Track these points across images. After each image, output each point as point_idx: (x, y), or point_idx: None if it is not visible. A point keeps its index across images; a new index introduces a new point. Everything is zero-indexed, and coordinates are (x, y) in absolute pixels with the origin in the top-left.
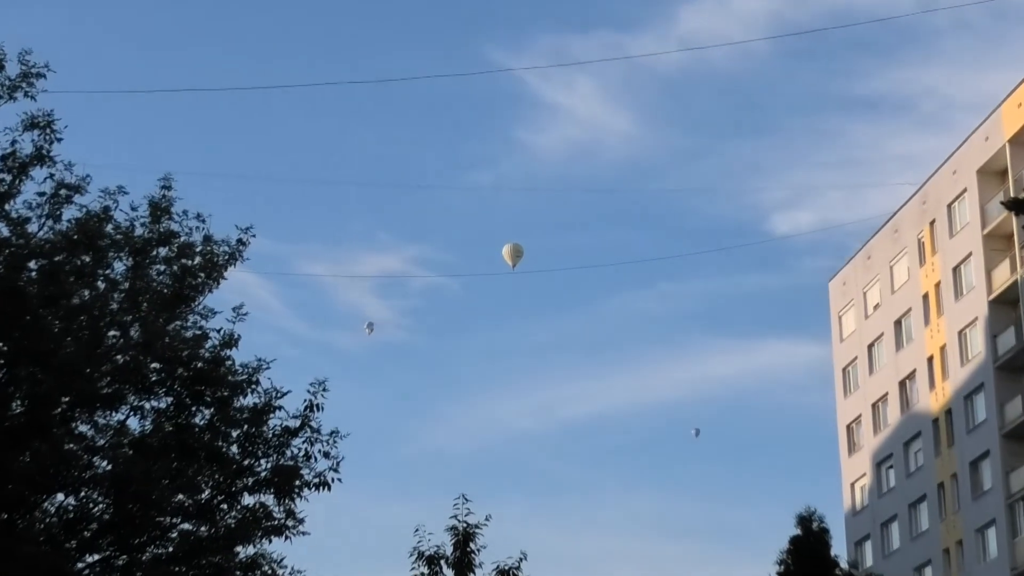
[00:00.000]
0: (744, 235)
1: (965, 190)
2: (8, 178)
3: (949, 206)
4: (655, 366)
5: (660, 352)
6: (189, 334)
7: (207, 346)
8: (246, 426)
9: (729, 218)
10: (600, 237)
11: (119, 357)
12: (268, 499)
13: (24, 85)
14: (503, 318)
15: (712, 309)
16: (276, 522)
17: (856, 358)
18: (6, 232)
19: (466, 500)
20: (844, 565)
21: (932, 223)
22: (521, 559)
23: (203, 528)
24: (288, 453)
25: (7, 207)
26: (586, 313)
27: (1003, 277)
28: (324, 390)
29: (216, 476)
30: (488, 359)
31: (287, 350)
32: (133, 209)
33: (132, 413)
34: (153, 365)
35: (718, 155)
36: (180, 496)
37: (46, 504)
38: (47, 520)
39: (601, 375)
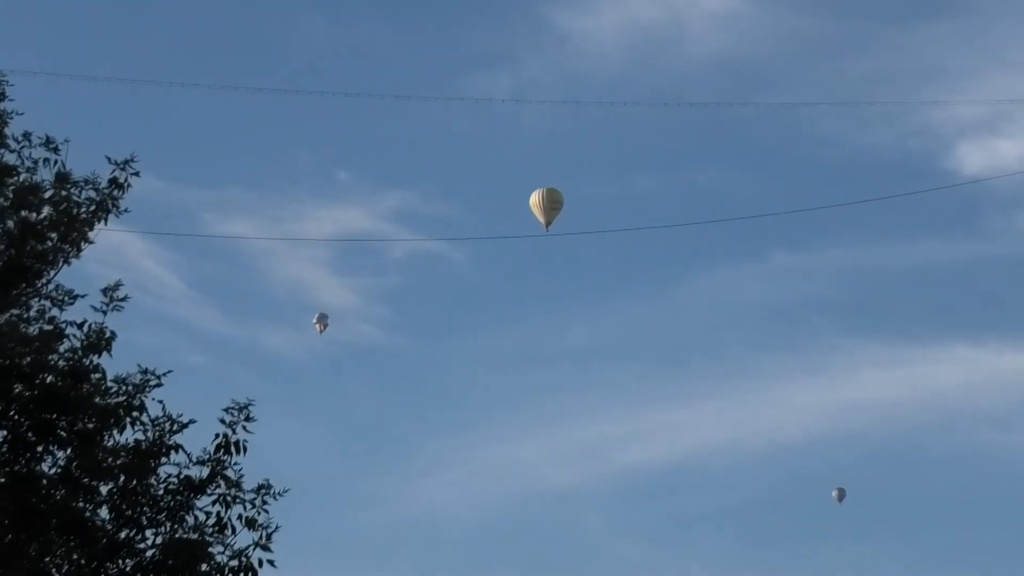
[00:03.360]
0: (913, 177)
1: None
2: None
3: None
4: (767, 386)
5: (775, 362)
6: (32, 330)
7: (62, 350)
8: (123, 477)
9: (889, 150)
10: (680, 180)
11: None
12: None
13: None
14: (530, 307)
15: (859, 295)
16: None
17: None
18: None
19: None
20: None
21: None
22: None
23: None
24: (189, 520)
25: None
26: (658, 301)
27: None
28: (248, 419)
29: (76, 556)
30: (506, 372)
31: (191, 356)
32: None
33: None
34: None
35: (871, 49)
36: None
37: None
38: None
39: (681, 398)
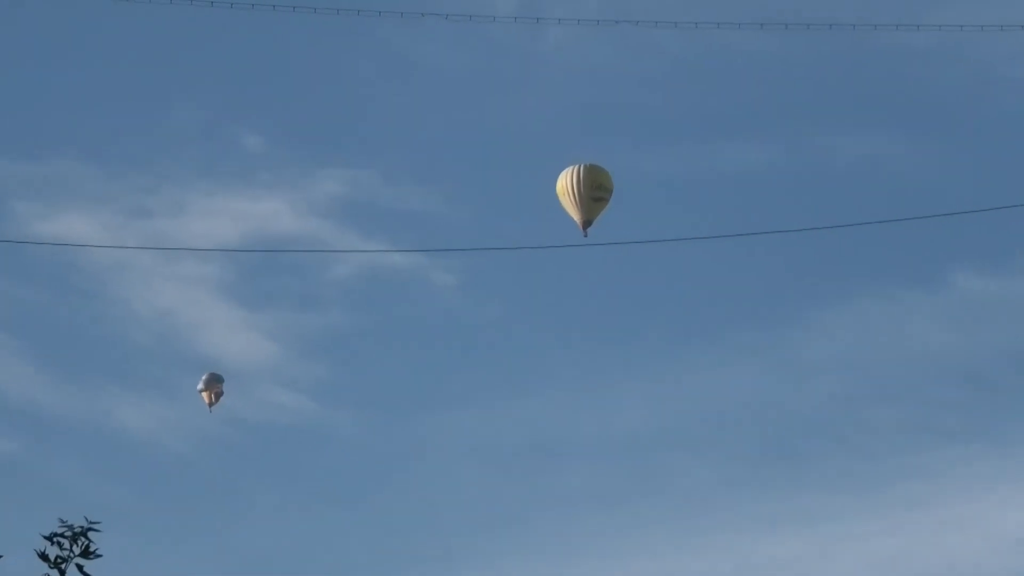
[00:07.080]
0: None
1: None
2: None
3: None
4: (944, 492)
5: (960, 455)
6: None
7: None
8: None
9: None
10: (799, 151)
11: None
12: None
13: None
14: (555, 364)
15: None
16: None
17: None
18: None
19: None
20: None
21: None
22: None
23: None
24: None
25: None
26: (762, 354)
27: None
28: (88, 553)
29: None
30: (512, 472)
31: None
32: None
33: None
34: None
35: None
36: None
37: None
38: None
39: (799, 515)
